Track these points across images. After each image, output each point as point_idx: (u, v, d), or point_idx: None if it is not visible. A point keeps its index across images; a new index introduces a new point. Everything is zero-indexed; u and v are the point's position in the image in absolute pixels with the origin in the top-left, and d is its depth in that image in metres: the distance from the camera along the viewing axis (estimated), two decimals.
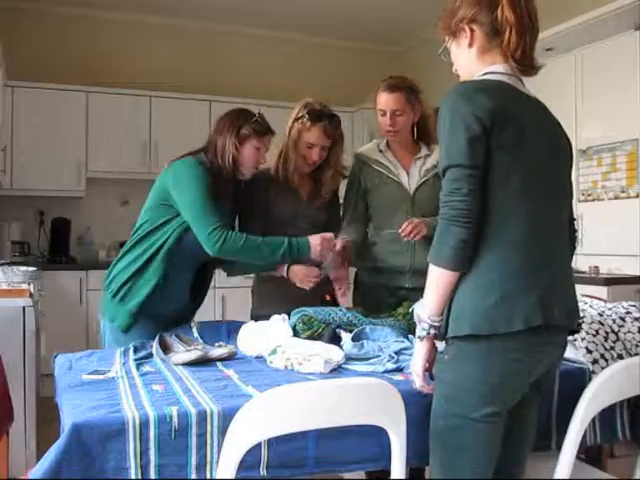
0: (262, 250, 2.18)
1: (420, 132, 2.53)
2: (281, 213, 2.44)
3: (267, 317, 2.20)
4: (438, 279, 1.44)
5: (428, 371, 1.54)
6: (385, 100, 2.47)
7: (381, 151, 2.56)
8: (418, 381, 1.53)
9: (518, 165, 1.44)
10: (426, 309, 1.47)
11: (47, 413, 2.51)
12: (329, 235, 2.25)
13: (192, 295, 2.37)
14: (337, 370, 1.76)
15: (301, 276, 2.31)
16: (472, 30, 1.55)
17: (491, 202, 1.43)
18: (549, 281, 1.46)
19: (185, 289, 2.32)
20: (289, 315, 2.08)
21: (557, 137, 1.58)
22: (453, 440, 1.45)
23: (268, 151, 2.36)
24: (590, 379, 1.69)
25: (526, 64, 1.53)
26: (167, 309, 2.26)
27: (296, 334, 1.97)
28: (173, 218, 2.20)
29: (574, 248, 1.69)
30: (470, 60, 1.58)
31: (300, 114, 2.40)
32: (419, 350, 1.53)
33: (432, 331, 1.48)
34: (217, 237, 2.11)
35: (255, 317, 2.44)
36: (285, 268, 2.34)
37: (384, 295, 2.47)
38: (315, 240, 2.21)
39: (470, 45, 1.56)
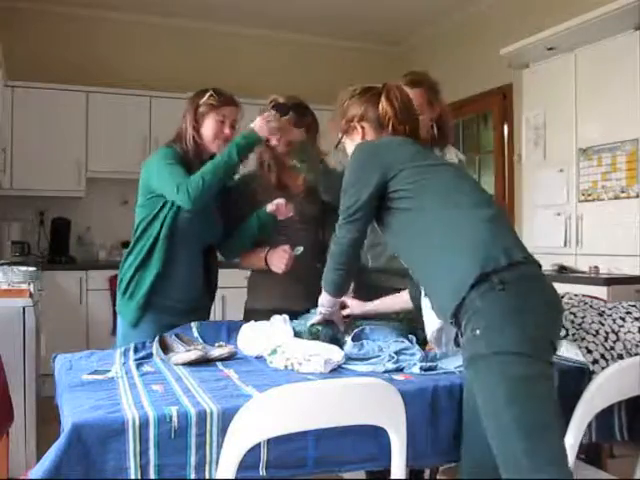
0: (218, 166, 2.19)
1: (438, 133, 2.46)
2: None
3: (260, 312, 2.20)
4: (324, 297, 1.94)
5: None
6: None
7: None
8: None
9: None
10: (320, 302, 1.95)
11: (47, 413, 2.51)
12: (266, 114, 2.27)
13: (203, 283, 2.38)
14: (337, 370, 1.75)
15: (275, 260, 2.29)
16: (362, 127, 1.87)
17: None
18: (511, 232, 1.64)
19: (191, 276, 2.32)
20: (285, 312, 2.09)
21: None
22: (525, 406, 1.42)
23: (237, 124, 2.36)
24: (590, 379, 1.69)
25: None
26: (176, 299, 2.29)
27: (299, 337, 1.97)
28: (164, 206, 2.25)
29: None
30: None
31: (264, 110, 2.38)
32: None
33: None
34: (184, 191, 2.15)
35: (248, 311, 2.44)
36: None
37: (379, 295, 2.46)
38: (256, 122, 2.24)
39: (362, 139, 1.87)
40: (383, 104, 1.84)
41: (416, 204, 1.67)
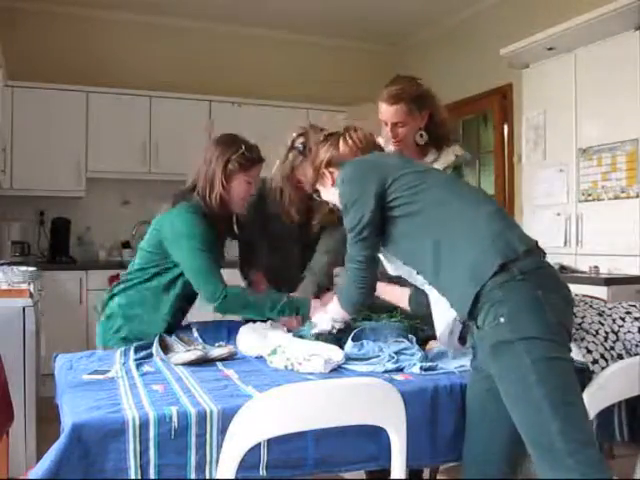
0: (262, 308, 2.11)
1: (431, 136, 2.41)
2: (274, 232, 2.43)
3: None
4: (340, 311, 1.89)
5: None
6: (385, 111, 2.33)
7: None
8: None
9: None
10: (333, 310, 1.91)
11: (47, 413, 2.51)
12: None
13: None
14: (337, 370, 1.75)
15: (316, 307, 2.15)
16: (331, 172, 1.90)
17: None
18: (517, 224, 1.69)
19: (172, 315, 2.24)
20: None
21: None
22: (555, 384, 1.44)
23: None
24: (590, 379, 1.69)
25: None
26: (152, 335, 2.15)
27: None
28: (168, 268, 2.18)
29: None
30: (335, 195, 1.85)
31: (293, 144, 2.35)
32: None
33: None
34: (221, 298, 2.07)
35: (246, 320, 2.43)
36: None
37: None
38: (316, 304, 2.12)
39: (333, 184, 1.89)
40: (342, 148, 1.93)
41: (419, 207, 1.68)
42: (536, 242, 1.62)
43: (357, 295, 1.83)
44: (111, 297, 2.26)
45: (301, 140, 2.35)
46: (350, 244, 1.78)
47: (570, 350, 1.53)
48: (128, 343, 2.07)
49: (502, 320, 1.48)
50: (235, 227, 2.39)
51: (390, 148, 2.52)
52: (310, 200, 2.35)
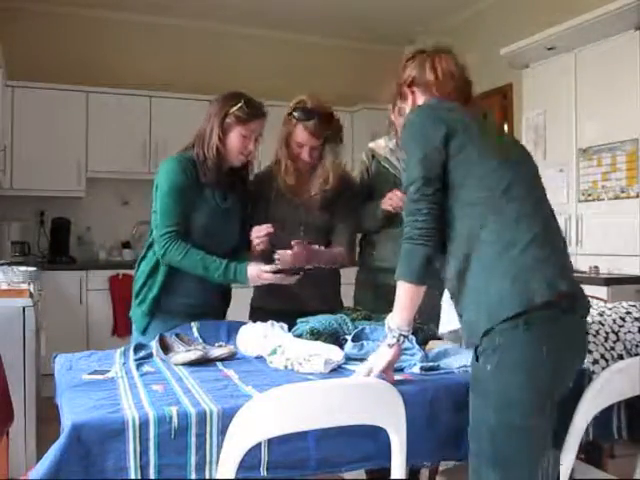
0: (198, 268, 2.16)
1: None
2: (279, 216, 2.39)
3: (267, 310, 2.20)
4: (404, 293, 1.55)
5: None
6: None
7: (391, 149, 2.54)
8: (374, 373, 1.56)
9: (482, 160, 1.56)
10: (395, 321, 1.56)
11: (47, 413, 2.51)
12: (268, 275, 2.13)
13: (218, 287, 2.32)
14: (337, 370, 1.75)
15: (254, 277, 2.17)
16: (412, 92, 1.78)
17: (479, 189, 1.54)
18: (559, 253, 1.56)
19: (202, 280, 2.23)
20: (290, 313, 2.10)
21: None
22: (506, 448, 1.45)
23: (261, 137, 2.28)
24: (590, 379, 1.68)
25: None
26: (187, 304, 2.26)
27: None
28: None
29: None
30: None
31: (289, 112, 2.35)
32: (385, 353, 1.57)
33: (401, 339, 1.57)
34: (162, 244, 2.15)
35: (254, 309, 2.44)
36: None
37: (385, 294, 2.46)
38: (253, 271, 2.14)
39: (413, 104, 1.77)
40: (427, 70, 1.76)
41: (467, 182, 1.55)
42: (570, 282, 1.53)
43: (422, 257, 1.52)
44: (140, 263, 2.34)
45: (299, 106, 2.34)
46: (414, 201, 1.55)
47: (547, 418, 1.48)
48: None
49: (488, 368, 1.47)
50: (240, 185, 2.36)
51: (393, 142, 2.53)
52: (308, 169, 2.38)
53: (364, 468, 1.67)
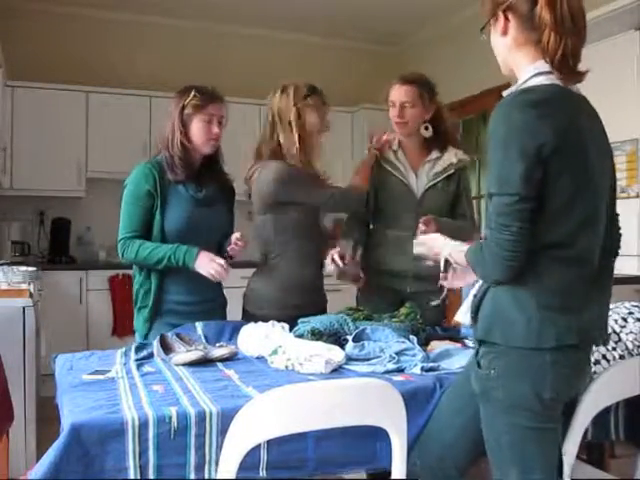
0: (151, 259, 2.21)
1: (435, 132, 2.49)
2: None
3: (259, 317, 2.20)
4: (472, 272, 1.50)
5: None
6: (395, 91, 2.45)
7: (394, 150, 2.54)
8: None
9: (582, 192, 1.38)
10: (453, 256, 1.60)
11: (47, 413, 2.51)
12: (220, 261, 2.17)
13: (212, 285, 2.33)
14: (338, 370, 1.75)
15: (203, 264, 2.19)
16: (507, 19, 1.45)
17: (550, 220, 1.37)
18: (598, 300, 1.47)
19: (198, 276, 2.23)
20: (285, 319, 2.10)
21: (604, 141, 1.49)
22: (525, 453, 1.43)
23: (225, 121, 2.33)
24: (591, 380, 1.68)
25: (565, 70, 1.41)
26: (187, 302, 2.29)
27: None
28: (154, 214, 2.27)
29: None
30: (505, 49, 1.49)
31: (301, 94, 2.35)
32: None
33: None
34: (121, 249, 2.25)
35: (247, 313, 2.41)
36: None
37: (387, 297, 2.47)
38: (204, 258, 2.17)
39: (503, 33, 1.47)
40: (542, 4, 1.39)
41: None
42: (598, 334, 1.48)
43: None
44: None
45: (306, 86, 2.38)
46: (497, 211, 1.37)
47: (559, 419, 1.47)
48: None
49: (492, 373, 1.43)
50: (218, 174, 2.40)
51: (396, 142, 2.53)
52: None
53: (364, 470, 1.67)
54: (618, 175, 3.92)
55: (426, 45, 5.83)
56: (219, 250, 2.36)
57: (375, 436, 1.46)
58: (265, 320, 2.11)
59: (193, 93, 2.27)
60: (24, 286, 3.02)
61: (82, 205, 5.31)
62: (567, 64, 1.40)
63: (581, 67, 1.43)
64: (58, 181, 5.00)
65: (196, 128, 2.27)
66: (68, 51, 5.27)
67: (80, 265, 4.97)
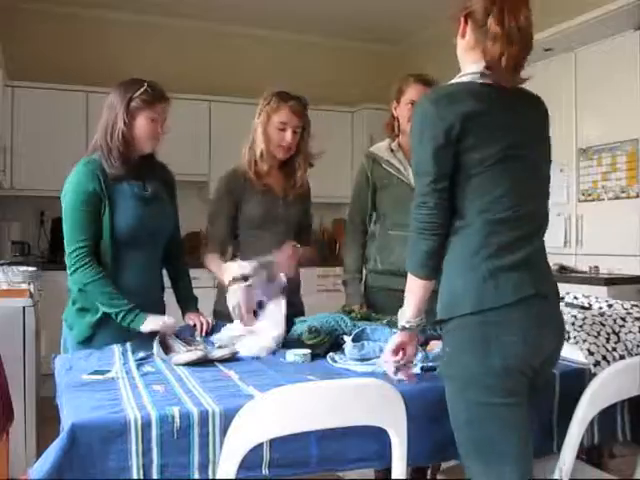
0: (101, 300, 2.06)
1: None
2: (256, 215, 2.40)
3: (229, 314, 2.19)
4: (412, 286, 1.57)
5: (404, 365, 1.61)
6: (418, 92, 2.46)
7: (392, 150, 2.54)
8: (387, 368, 1.60)
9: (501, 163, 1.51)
10: (405, 314, 1.59)
11: (47, 413, 2.51)
12: (172, 322, 2.05)
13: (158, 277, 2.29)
14: (337, 371, 1.76)
15: (154, 321, 2.05)
16: (465, 22, 1.61)
17: (468, 191, 1.51)
18: (532, 256, 1.53)
19: (144, 276, 2.19)
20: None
21: (528, 126, 1.63)
22: (482, 431, 1.46)
23: (165, 121, 2.24)
24: (590, 380, 1.69)
25: (501, 72, 1.53)
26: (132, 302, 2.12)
27: (300, 341, 1.97)
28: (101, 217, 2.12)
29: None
30: (461, 50, 1.64)
31: (267, 98, 2.40)
32: (392, 339, 1.62)
33: (410, 326, 1.59)
34: (73, 262, 2.06)
35: (218, 312, 2.40)
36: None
37: (392, 297, 2.46)
38: (151, 323, 2.01)
39: (462, 36, 1.63)
40: (493, 18, 1.51)
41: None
42: (539, 287, 1.51)
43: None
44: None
45: (277, 91, 2.43)
46: (416, 192, 1.57)
47: (520, 393, 1.47)
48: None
49: (447, 350, 1.53)
50: (156, 168, 2.34)
51: (395, 143, 2.53)
52: (286, 164, 2.43)
53: (365, 468, 1.67)
54: (618, 175, 3.94)
55: (427, 45, 5.83)
56: (166, 254, 2.31)
57: (376, 435, 1.46)
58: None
59: (145, 88, 2.15)
60: (24, 286, 3.03)
61: None
62: (505, 69, 1.53)
63: (527, 74, 1.59)
64: (58, 181, 4.94)
65: (141, 124, 2.15)
66: (68, 51, 5.27)
67: None
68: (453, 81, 1.60)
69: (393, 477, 1.43)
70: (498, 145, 1.51)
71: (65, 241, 2.11)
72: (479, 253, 1.49)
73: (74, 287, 2.15)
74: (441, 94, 1.55)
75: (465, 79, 1.57)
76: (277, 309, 2.07)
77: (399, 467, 1.42)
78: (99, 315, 2.10)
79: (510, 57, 1.50)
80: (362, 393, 1.40)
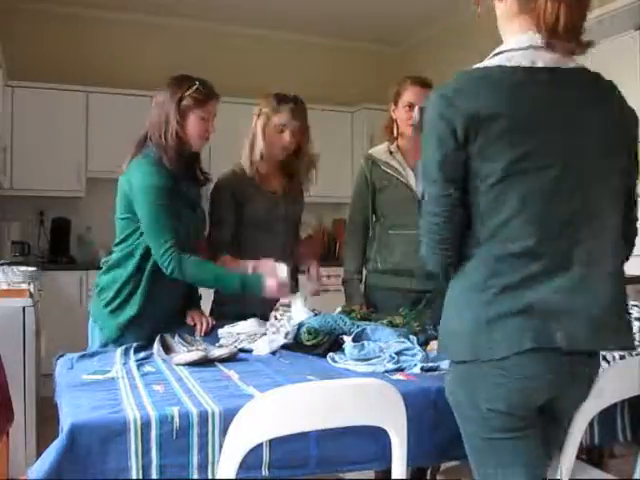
0: (213, 282, 2.13)
1: None
2: (258, 216, 2.41)
3: (227, 315, 2.23)
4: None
5: None
6: (415, 94, 2.47)
7: (391, 152, 2.55)
8: None
9: (509, 167, 1.27)
10: None
11: (47, 413, 2.51)
12: (285, 282, 2.13)
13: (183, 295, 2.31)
14: (338, 371, 1.76)
15: (272, 288, 2.13)
16: None
17: (479, 209, 1.32)
18: (548, 297, 1.28)
19: (174, 293, 2.22)
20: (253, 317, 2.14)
21: (590, 117, 1.36)
22: (485, 458, 1.42)
23: (215, 117, 2.24)
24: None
25: (563, 37, 1.29)
26: (157, 320, 2.17)
27: (300, 342, 1.97)
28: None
29: (628, 252, 1.47)
30: (501, 18, 1.42)
31: (266, 100, 2.42)
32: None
33: None
34: (170, 260, 2.05)
35: (215, 311, 2.43)
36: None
37: (394, 297, 2.47)
38: (271, 282, 2.10)
39: (502, 1, 1.38)
40: None
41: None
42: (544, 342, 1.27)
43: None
44: (102, 273, 2.27)
45: (274, 94, 2.44)
46: (425, 199, 1.40)
47: (519, 429, 1.37)
48: (116, 318, 2.13)
49: (448, 379, 1.48)
50: (199, 173, 2.32)
51: (394, 145, 2.54)
52: (288, 165, 2.45)
53: (365, 469, 1.67)
54: None
55: (427, 45, 5.83)
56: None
57: (376, 435, 1.46)
58: (238, 316, 2.15)
59: (197, 86, 2.15)
60: (24, 286, 3.02)
61: (82, 205, 5.31)
62: (562, 33, 1.29)
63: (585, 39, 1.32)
64: (58, 181, 5.00)
65: (193, 123, 2.16)
66: (68, 51, 5.27)
67: (80, 265, 4.97)
68: (479, 65, 1.36)
69: (393, 477, 1.43)
70: (513, 154, 1.26)
71: (152, 246, 2.07)
72: (480, 290, 1.31)
73: (108, 288, 2.17)
74: (450, 87, 1.33)
75: (494, 61, 1.33)
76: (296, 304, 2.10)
77: (399, 467, 1.42)
78: (128, 317, 2.13)
79: (572, 17, 1.26)
80: (362, 393, 1.40)
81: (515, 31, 1.35)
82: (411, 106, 2.46)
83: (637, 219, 1.48)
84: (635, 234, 1.47)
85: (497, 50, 1.36)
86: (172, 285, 2.15)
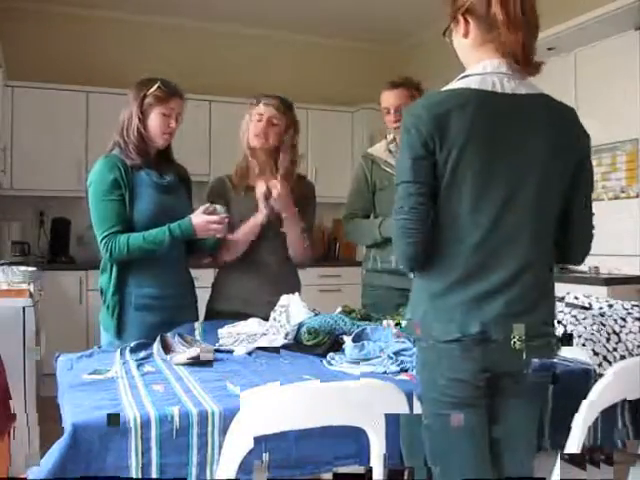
0: (147, 247, 2.19)
1: None
2: (242, 218, 2.40)
3: (223, 313, 2.25)
4: None
5: None
6: (387, 97, 2.51)
7: (391, 151, 2.55)
8: None
9: (467, 173, 1.43)
10: None
11: (47, 413, 2.51)
12: (216, 219, 2.21)
13: (189, 279, 2.39)
14: (333, 374, 1.76)
15: (201, 228, 2.22)
16: (466, 21, 1.56)
17: (445, 211, 1.46)
18: (484, 291, 1.44)
19: (170, 273, 2.30)
20: (250, 316, 2.15)
21: (541, 135, 1.54)
22: (437, 439, 1.48)
23: (181, 117, 2.32)
24: (595, 380, 1.68)
25: (522, 62, 1.49)
26: (158, 297, 2.25)
27: (300, 342, 1.97)
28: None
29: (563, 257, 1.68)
30: (465, 51, 1.59)
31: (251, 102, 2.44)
32: None
33: None
34: (106, 247, 2.21)
35: (210, 311, 2.43)
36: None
37: (391, 297, 2.47)
38: (197, 219, 2.20)
39: (465, 36, 1.57)
40: (495, 3, 1.47)
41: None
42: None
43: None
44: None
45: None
46: (396, 197, 1.53)
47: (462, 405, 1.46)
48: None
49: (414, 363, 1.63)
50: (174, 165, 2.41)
51: (393, 144, 2.54)
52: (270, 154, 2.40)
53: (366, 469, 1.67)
54: (618, 175, 3.94)
55: (427, 45, 5.82)
56: (187, 246, 2.37)
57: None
58: (235, 317, 2.16)
59: (157, 85, 2.26)
60: (24, 286, 3.02)
61: (82, 205, 5.24)
62: (524, 56, 1.48)
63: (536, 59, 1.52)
64: (58, 181, 5.00)
65: (155, 119, 2.26)
66: (68, 51, 5.27)
67: (80, 265, 4.97)
68: (448, 86, 1.54)
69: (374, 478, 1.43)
70: (476, 157, 1.43)
71: (95, 232, 2.26)
72: (439, 282, 1.48)
73: (107, 288, 2.26)
74: (425, 104, 1.51)
75: (460, 84, 1.51)
76: (294, 304, 2.11)
77: (377, 466, 1.42)
78: (114, 304, 2.22)
79: (526, 42, 1.45)
80: (362, 393, 1.40)
81: (480, 58, 1.52)
82: (388, 111, 2.51)
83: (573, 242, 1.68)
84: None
85: (463, 74, 1.53)
86: (163, 266, 2.25)
